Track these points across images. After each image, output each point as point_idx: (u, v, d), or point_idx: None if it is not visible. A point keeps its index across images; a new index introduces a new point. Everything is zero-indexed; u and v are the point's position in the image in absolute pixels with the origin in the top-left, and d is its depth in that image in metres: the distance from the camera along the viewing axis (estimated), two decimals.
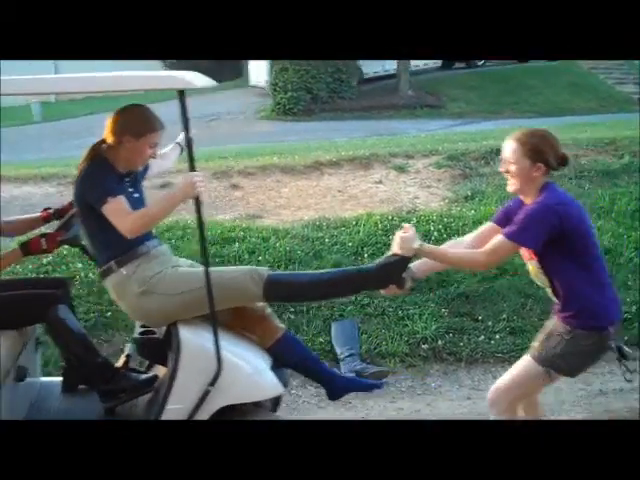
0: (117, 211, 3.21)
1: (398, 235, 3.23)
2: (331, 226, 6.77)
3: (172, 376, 3.17)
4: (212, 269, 3.27)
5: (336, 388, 3.66)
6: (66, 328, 3.49)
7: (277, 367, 3.41)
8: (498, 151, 8.71)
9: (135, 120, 3.44)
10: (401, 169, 8.57)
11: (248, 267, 3.60)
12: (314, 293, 3.59)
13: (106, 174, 3.35)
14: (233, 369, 3.18)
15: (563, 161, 3.26)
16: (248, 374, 3.25)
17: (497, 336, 5.46)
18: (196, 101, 20.51)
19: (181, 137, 4.04)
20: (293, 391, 4.93)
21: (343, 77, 18.70)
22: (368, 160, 8.77)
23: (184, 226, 6.69)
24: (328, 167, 8.72)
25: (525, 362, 3.28)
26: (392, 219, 6.84)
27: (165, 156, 4.10)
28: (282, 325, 3.63)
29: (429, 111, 17.75)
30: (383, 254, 3.41)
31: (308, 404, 4.81)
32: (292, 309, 5.48)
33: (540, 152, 3.17)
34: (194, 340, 3.21)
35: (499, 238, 3.15)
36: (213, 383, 3.12)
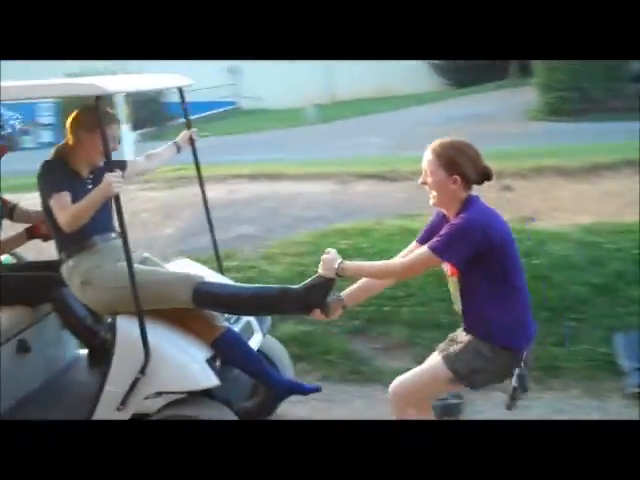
0: (57, 206, 3.48)
1: (322, 257, 3.30)
2: (611, 231, 6.40)
3: (109, 361, 3.47)
4: (152, 269, 3.65)
5: (279, 390, 3.78)
6: (68, 308, 3.84)
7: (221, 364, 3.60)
8: None
9: (88, 115, 3.59)
10: None
11: (183, 274, 3.68)
12: (238, 307, 3.69)
13: (56, 171, 3.63)
14: (161, 359, 3.39)
15: (485, 174, 3.12)
16: (177, 365, 3.45)
17: None
18: (461, 101, 20.55)
19: (180, 137, 4.25)
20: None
21: (619, 75, 17.65)
22: None
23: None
24: (605, 170, 8.29)
25: (437, 368, 3.19)
26: None
27: (154, 156, 4.28)
28: (224, 324, 3.70)
29: None
30: None
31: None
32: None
33: (455, 164, 3.06)
34: (129, 330, 3.41)
35: (423, 249, 3.09)
36: (143, 371, 3.36)
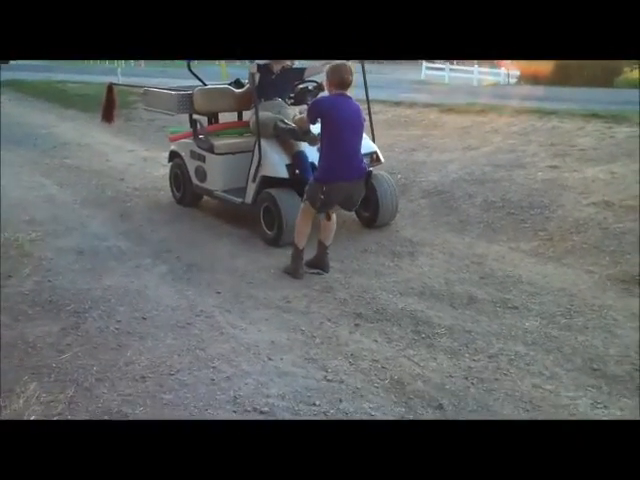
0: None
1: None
2: None
3: (251, 159, 6.89)
4: (269, 115, 6.91)
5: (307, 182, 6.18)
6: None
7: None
8: None
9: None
10: None
11: (274, 118, 6.88)
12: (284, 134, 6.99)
13: (261, 68, 7.29)
14: (266, 159, 6.69)
15: (341, 83, 5.47)
16: (272, 163, 6.65)
17: None
18: None
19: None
20: None
21: None
22: None
23: None
24: None
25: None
26: None
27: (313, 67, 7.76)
28: (301, 148, 6.66)
29: None
30: None
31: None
32: None
33: (327, 76, 5.55)
34: (268, 147, 6.74)
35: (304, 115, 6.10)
36: (259, 163, 6.72)
